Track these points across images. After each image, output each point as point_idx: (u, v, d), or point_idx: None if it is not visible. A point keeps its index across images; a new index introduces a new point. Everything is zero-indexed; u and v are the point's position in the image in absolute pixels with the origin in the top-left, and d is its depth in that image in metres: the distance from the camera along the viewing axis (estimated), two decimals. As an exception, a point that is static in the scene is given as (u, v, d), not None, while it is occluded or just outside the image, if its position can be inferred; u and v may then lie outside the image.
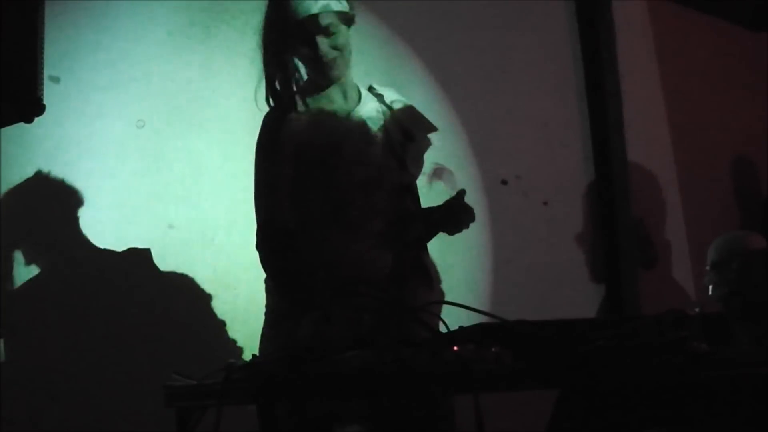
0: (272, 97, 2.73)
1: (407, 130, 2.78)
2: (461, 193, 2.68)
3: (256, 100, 2.74)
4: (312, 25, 2.65)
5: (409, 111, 2.85)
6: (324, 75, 2.73)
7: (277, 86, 2.72)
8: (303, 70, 2.76)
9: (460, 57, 4.19)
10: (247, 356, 2.15)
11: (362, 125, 2.74)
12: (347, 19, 2.71)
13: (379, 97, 2.82)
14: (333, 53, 2.69)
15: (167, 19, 3.49)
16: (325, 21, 2.66)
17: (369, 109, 2.78)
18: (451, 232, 2.75)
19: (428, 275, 2.80)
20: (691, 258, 4.60)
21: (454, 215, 2.70)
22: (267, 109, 2.75)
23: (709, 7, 5.06)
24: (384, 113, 2.79)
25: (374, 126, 2.76)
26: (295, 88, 2.73)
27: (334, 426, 2.53)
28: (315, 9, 2.64)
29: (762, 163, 5.06)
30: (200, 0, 3.56)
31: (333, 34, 2.68)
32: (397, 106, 2.82)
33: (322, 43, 2.67)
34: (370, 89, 2.84)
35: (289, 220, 2.66)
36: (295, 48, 2.70)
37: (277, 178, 2.67)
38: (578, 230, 4.48)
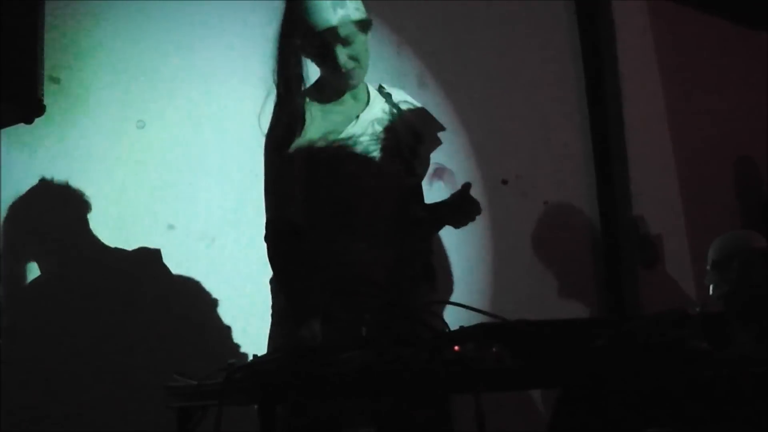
0: (285, 96, 2.69)
1: (416, 132, 2.78)
2: (467, 186, 2.68)
3: (259, 120, 2.72)
4: (331, 37, 2.62)
5: (418, 111, 2.84)
6: (342, 84, 2.72)
7: (291, 88, 2.68)
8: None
9: (460, 57, 4.19)
10: (247, 356, 2.15)
11: (370, 128, 2.74)
12: (365, 27, 2.68)
13: (387, 97, 2.82)
14: (351, 63, 2.66)
15: (167, 18, 3.49)
16: (344, 32, 2.62)
17: (377, 111, 2.78)
18: (457, 225, 2.75)
19: (432, 276, 2.80)
20: (691, 257, 4.60)
21: (460, 208, 2.70)
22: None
23: (709, 6, 5.05)
24: (392, 114, 2.79)
25: (382, 128, 2.75)
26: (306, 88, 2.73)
27: (336, 427, 2.53)
28: (334, 20, 2.61)
29: (763, 162, 5.06)
30: (200, 0, 3.56)
31: (351, 43, 2.65)
32: (405, 106, 2.82)
33: (341, 53, 2.64)
34: (380, 89, 2.84)
35: (299, 215, 2.66)
36: (312, 56, 2.69)
37: (290, 173, 2.66)
38: (578, 229, 4.48)
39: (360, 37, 2.67)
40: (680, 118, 4.82)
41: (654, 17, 4.86)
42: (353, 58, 2.66)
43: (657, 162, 4.74)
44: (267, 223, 2.68)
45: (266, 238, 2.67)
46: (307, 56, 2.69)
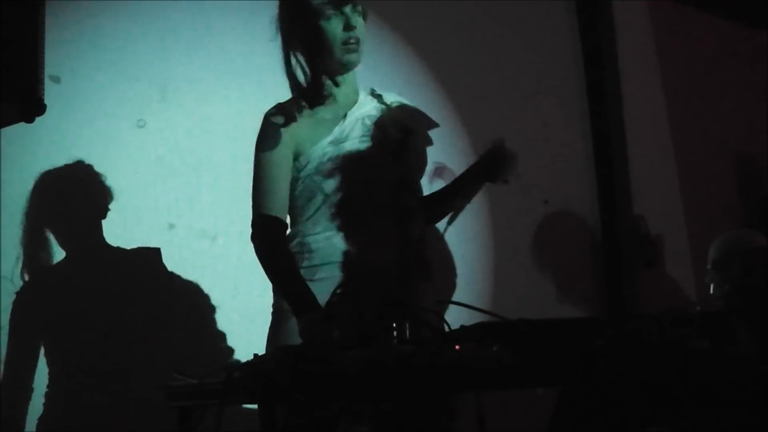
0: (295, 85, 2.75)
1: (405, 126, 2.79)
2: (500, 140, 2.79)
3: None
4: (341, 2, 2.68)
5: (408, 108, 2.86)
6: (343, 57, 2.71)
7: (303, 70, 2.73)
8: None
9: (460, 57, 4.19)
10: (248, 355, 2.15)
11: (360, 125, 2.76)
12: (365, 13, 2.75)
13: (379, 98, 2.83)
14: (357, 34, 2.70)
15: (168, 18, 3.50)
16: (349, 6, 2.69)
17: (368, 109, 2.79)
18: (495, 180, 2.85)
19: (428, 268, 2.80)
20: (692, 257, 4.60)
21: (498, 161, 2.79)
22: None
23: (709, 5, 5.06)
24: (381, 111, 2.80)
25: (371, 123, 2.77)
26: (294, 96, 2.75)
27: (337, 425, 2.53)
28: None
29: (763, 161, 5.06)
30: (200, 0, 3.56)
31: (359, 13, 2.71)
32: (395, 105, 2.83)
33: (352, 15, 2.69)
34: (372, 92, 2.85)
35: (283, 212, 2.69)
36: (323, 18, 2.69)
37: (275, 172, 2.69)
38: (579, 229, 4.48)
39: (360, 20, 2.71)
40: (681, 117, 4.82)
41: (654, 17, 4.86)
42: (356, 37, 2.69)
43: (657, 161, 4.74)
44: (252, 223, 2.71)
45: (252, 238, 2.70)
46: (315, 26, 2.69)
